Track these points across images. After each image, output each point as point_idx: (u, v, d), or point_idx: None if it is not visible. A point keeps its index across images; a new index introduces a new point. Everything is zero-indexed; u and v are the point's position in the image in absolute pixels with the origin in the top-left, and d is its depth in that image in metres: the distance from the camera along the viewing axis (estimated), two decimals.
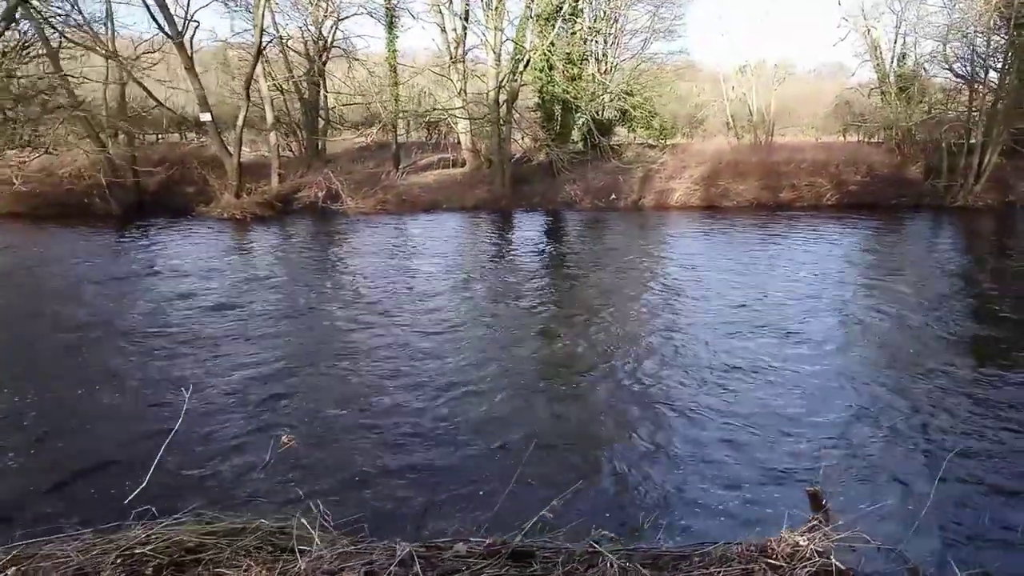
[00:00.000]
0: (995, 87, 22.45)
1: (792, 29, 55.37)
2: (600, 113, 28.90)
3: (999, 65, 22.62)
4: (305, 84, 26.15)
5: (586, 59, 26.21)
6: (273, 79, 25.03)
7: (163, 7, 19.78)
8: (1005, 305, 11.23)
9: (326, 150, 27.22)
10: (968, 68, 23.13)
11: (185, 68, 20.79)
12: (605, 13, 28.58)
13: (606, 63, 29.99)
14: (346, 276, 13.83)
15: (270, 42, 21.78)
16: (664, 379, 8.09)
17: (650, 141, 29.49)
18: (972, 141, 22.65)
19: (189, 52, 20.73)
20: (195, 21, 21.53)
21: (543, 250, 17.32)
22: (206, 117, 21.05)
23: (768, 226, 19.91)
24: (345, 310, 11.15)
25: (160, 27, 19.96)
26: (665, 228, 20.73)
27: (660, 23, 31.17)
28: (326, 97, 26.58)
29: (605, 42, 30.74)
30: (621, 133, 30.96)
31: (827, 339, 9.54)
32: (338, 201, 22.15)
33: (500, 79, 22.99)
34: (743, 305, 11.29)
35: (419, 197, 23.72)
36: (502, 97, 23.41)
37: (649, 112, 28.19)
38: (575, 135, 28.21)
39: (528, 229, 20.90)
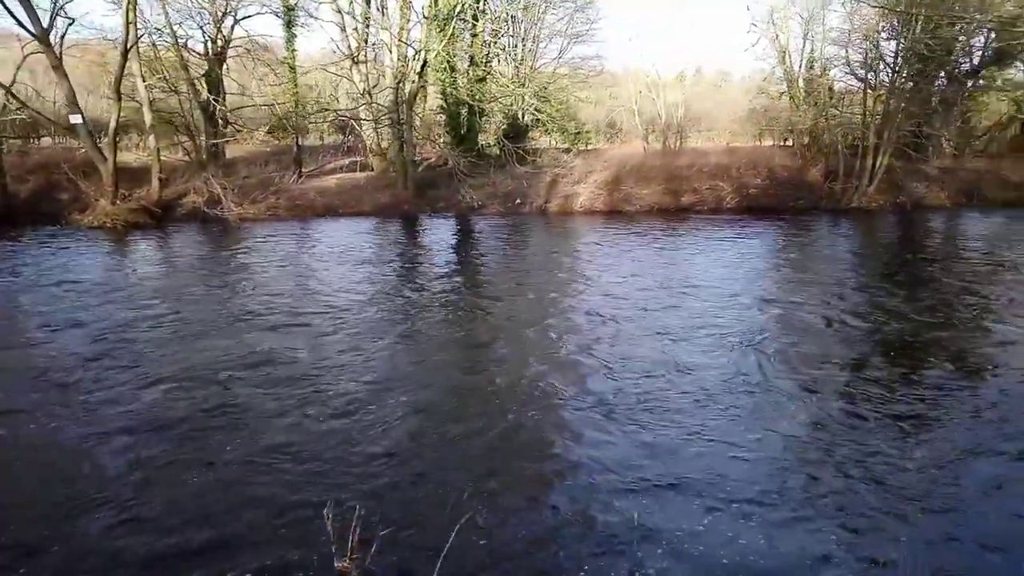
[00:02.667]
0: (887, 90, 22.70)
1: (711, 35, 55.96)
2: (520, 117, 28.52)
3: (891, 69, 22.91)
4: (203, 84, 25.13)
5: (491, 60, 25.73)
6: (164, 78, 23.96)
7: (25, 2, 18.60)
8: (860, 305, 11.03)
9: (225, 154, 26.19)
10: (863, 72, 23.38)
11: (52, 67, 19.62)
12: (515, 16, 28.27)
13: (525, 67, 29.66)
14: (202, 288, 12.97)
15: (139, 38, 20.64)
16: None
17: (566, 145, 29.21)
18: (867, 144, 22.82)
19: (57, 51, 19.55)
20: (68, 18, 20.40)
21: (430, 256, 16.68)
22: (76, 119, 19.88)
23: (660, 231, 19.66)
24: (191, 324, 10.34)
25: (20, 23, 18.78)
26: (559, 233, 20.34)
27: (576, 27, 31.10)
28: (224, 98, 25.54)
29: (523, 46, 30.48)
30: (540, 137, 30.64)
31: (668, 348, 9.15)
32: (220, 207, 21.15)
33: (396, 80, 22.33)
34: (600, 314, 10.88)
35: (314, 202, 22.89)
36: (401, 99, 22.73)
37: (562, 116, 27.88)
38: (490, 139, 27.74)
39: (423, 234, 20.25)
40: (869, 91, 23.25)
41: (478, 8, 23.98)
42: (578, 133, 29.43)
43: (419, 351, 9.17)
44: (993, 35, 25.82)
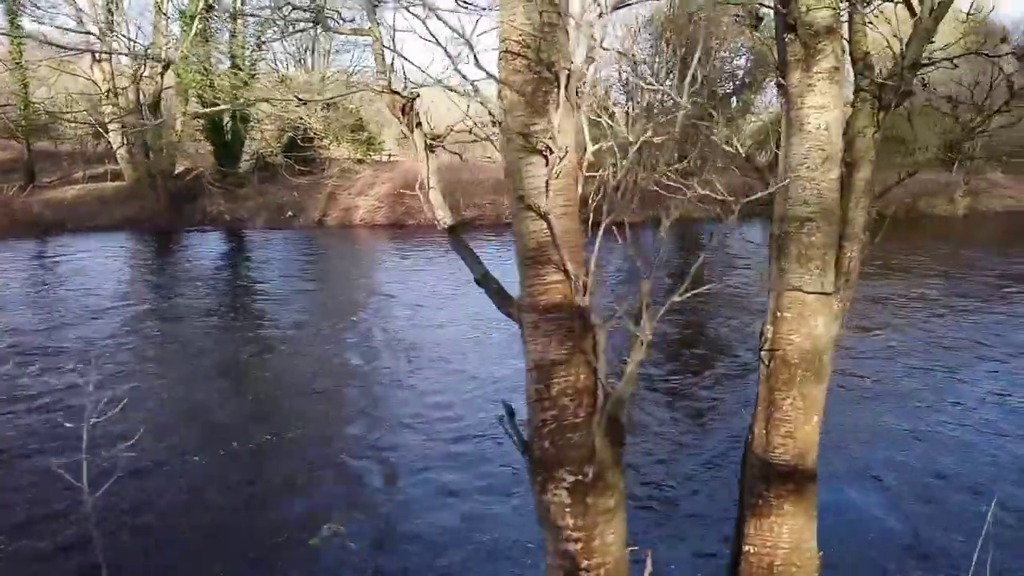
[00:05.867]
0: (643, 110, 23.98)
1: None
2: (306, 126, 26.94)
3: (656, 90, 24.25)
4: None
5: (256, 64, 24.08)
6: None
7: None
8: None
9: None
10: (627, 93, 24.59)
11: None
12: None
13: (315, 75, 28.23)
14: None
15: None
16: None
17: (359, 156, 28.08)
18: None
19: None
20: None
21: (151, 282, 14.86)
22: None
23: (438, 247, 19.23)
24: None
25: None
26: (325, 250, 19.38)
27: (366, 39, 30.22)
28: None
29: (311, 55, 29.29)
30: (334, 147, 29.25)
31: None
32: None
33: (135, 80, 20.12)
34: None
35: (40, 217, 19.98)
36: (143, 101, 20.51)
37: (344, 126, 26.70)
38: (273, 147, 26.00)
39: (166, 253, 18.29)
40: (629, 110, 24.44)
41: (236, 8, 22.26)
42: (370, 144, 28.41)
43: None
44: (749, 63, 28.48)
